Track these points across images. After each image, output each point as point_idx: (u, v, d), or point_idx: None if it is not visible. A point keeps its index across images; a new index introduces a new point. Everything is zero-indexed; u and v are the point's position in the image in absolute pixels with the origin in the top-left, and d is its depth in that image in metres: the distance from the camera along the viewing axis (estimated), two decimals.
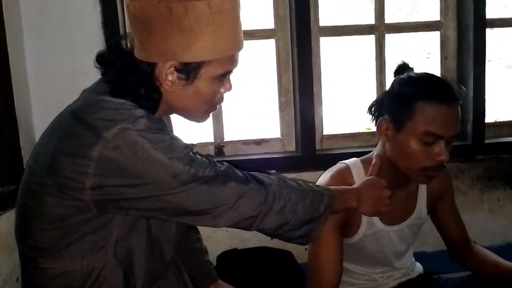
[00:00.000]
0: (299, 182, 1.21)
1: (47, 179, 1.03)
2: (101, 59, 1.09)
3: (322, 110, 2.08)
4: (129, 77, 1.04)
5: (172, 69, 1.03)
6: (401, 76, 1.34)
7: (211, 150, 2.06)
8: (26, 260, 1.12)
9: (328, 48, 2.17)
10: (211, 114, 1.18)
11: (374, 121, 1.37)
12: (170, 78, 1.04)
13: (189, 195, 1.03)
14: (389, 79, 1.39)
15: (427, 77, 1.32)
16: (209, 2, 1.00)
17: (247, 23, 1.32)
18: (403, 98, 1.28)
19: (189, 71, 1.04)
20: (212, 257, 1.63)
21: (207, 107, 1.12)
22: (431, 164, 1.27)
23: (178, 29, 1.00)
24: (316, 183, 1.35)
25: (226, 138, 2.08)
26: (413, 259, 1.57)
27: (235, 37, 1.07)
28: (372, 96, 1.47)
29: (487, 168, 2.10)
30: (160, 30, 1.00)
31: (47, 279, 1.08)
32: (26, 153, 1.60)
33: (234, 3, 1.05)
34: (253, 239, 1.93)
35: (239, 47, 1.09)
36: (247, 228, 1.13)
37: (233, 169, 1.11)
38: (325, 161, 1.62)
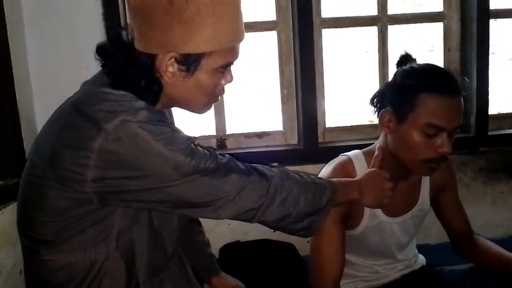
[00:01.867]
0: (301, 174, 1.20)
1: (48, 172, 1.02)
2: (101, 51, 1.09)
3: (325, 102, 2.07)
4: (130, 68, 1.04)
5: (172, 60, 1.02)
6: (403, 67, 1.33)
7: (213, 143, 2.06)
8: (29, 253, 1.12)
9: (330, 40, 2.16)
10: (213, 106, 1.18)
11: (376, 113, 1.37)
12: (171, 69, 1.03)
13: (190, 187, 1.03)
14: (392, 71, 1.38)
15: (429, 69, 1.31)
16: None
17: (248, 15, 1.31)
18: (405, 89, 1.28)
19: (189, 62, 1.03)
20: (214, 249, 1.63)
21: (208, 98, 1.11)
22: (434, 156, 1.26)
23: (178, 21, 0.99)
24: (318, 176, 1.34)
25: (228, 131, 2.08)
26: (416, 251, 1.57)
27: (236, 28, 1.06)
28: (375, 88, 1.46)
29: (490, 160, 2.10)
30: (160, 22, 0.99)
31: (49, 272, 1.09)
32: (28, 146, 1.60)
33: None
34: (255, 232, 1.93)
35: (240, 38, 1.08)
36: (249, 220, 1.12)
37: (235, 161, 1.11)
38: (327, 153, 1.61)
